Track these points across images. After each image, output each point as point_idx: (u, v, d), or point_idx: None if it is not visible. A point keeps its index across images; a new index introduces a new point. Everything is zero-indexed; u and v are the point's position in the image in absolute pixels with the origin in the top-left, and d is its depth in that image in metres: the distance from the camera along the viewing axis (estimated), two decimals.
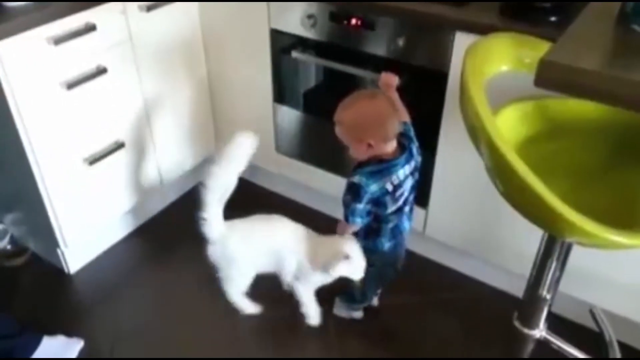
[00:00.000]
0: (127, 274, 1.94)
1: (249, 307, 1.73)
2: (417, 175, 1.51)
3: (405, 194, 1.48)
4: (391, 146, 1.43)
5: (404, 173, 1.45)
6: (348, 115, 1.42)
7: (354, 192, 1.44)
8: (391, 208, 1.48)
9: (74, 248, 1.89)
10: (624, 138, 1.14)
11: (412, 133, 1.49)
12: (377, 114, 1.40)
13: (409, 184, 1.48)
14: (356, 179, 1.43)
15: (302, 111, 1.96)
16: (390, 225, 1.52)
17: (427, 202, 1.77)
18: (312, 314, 1.70)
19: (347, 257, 1.49)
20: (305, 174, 2.06)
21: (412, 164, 1.47)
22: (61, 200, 1.74)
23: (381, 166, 1.42)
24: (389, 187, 1.43)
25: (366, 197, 1.43)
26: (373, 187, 1.42)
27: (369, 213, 1.49)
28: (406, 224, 1.56)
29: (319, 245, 1.56)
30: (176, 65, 1.97)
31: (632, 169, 1.11)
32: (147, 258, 2.02)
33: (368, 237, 1.55)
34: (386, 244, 1.55)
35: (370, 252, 1.55)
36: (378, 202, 1.45)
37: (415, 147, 1.48)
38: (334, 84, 1.91)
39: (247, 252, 1.61)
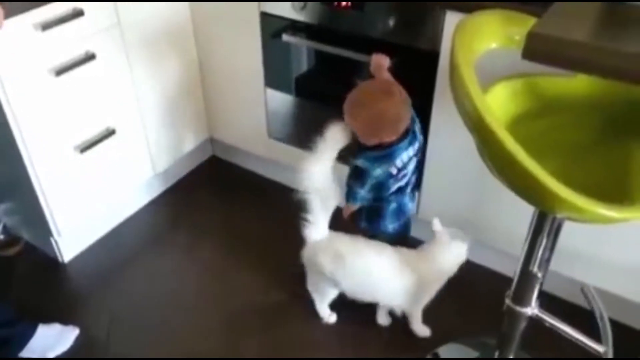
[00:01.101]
0: (122, 262, 1.94)
1: (327, 316, 1.69)
2: (419, 156, 1.52)
3: (408, 174, 1.50)
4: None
5: (408, 155, 1.46)
6: (365, 114, 1.39)
7: (358, 176, 1.45)
8: (392, 189, 1.48)
9: (68, 237, 1.88)
10: (613, 113, 1.14)
11: (413, 113, 1.49)
12: (395, 114, 1.38)
13: (412, 165, 1.49)
14: (360, 162, 1.44)
15: (294, 95, 1.95)
16: (392, 206, 1.53)
17: (420, 184, 1.77)
18: (422, 328, 1.66)
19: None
20: (296, 159, 2.05)
21: (416, 145, 1.48)
22: (53, 189, 1.73)
23: (385, 151, 1.43)
24: (393, 171, 1.44)
25: (370, 182, 1.45)
26: (378, 172, 1.43)
27: (368, 192, 1.50)
28: (409, 205, 1.57)
29: (424, 261, 1.51)
30: (166, 50, 1.96)
31: (622, 144, 1.11)
32: (141, 246, 2.02)
33: (371, 220, 1.56)
34: (390, 226, 1.56)
35: (375, 234, 1.56)
36: (381, 185, 1.46)
37: (417, 128, 1.49)
38: (325, 67, 1.90)
39: (335, 274, 1.54)
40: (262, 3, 1.79)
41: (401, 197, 1.54)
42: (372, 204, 1.53)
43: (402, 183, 1.50)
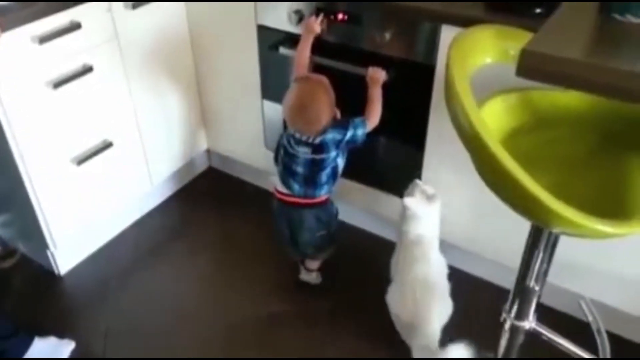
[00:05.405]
0: (118, 275, 1.93)
1: None
2: (318, 167, 1.59)
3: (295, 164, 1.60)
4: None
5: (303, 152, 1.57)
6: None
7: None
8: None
9: (64, 249, 1.88)
10: (609, 127, 1.14)
11: (340, 135, 1.56)
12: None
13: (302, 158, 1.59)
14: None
15: None
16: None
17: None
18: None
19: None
20: None
21: (316, 157, 1.57)
22: (50, 201, 1.73)
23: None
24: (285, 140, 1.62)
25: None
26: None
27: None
28: (320, 185, 1.64)
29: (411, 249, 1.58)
30: (164, 63, 1.96)
31: (617, 158, 1.11)
32: (138, 258, 2.01)
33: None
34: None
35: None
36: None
37: (333, 148, 1.57)
38: None
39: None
40: (259, 17, 1.80)
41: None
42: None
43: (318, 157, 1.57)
